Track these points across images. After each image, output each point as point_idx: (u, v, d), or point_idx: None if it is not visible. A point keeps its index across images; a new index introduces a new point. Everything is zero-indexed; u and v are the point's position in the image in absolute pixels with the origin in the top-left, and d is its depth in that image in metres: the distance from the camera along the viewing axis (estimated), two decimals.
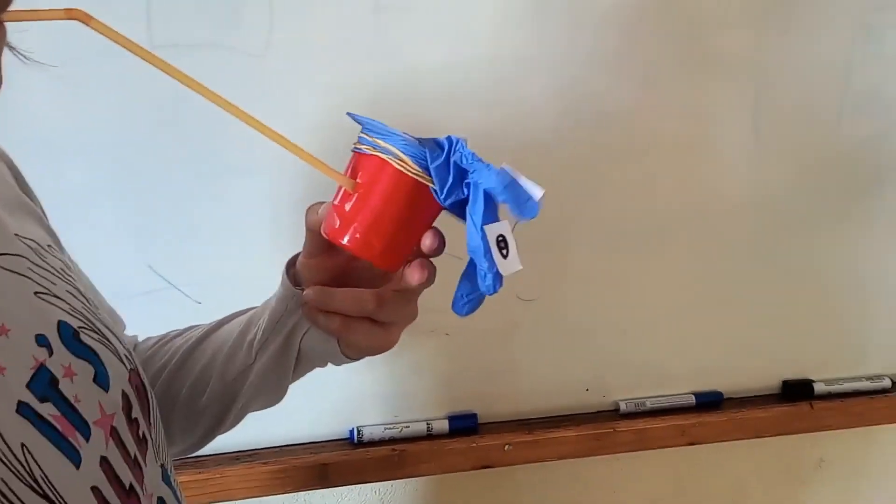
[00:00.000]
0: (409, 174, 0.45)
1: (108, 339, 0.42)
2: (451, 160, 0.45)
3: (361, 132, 0.47)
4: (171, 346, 0.60)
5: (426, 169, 0.45)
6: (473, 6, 0.79)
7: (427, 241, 0.47)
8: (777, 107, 0.89)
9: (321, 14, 0.76)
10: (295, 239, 0.83)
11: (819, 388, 1.01)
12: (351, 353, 0.54)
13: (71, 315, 0.40)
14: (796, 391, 1.01)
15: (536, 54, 0.82)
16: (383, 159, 0.46)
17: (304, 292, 0.52)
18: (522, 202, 0.44)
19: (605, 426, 0.95)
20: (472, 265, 0.47)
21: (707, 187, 0.92)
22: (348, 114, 0.48)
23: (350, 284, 0.53)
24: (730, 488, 1.09)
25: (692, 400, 1.00)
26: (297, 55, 0.77)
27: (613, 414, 0.99)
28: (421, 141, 0.46)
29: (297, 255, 0.54)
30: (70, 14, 0.36)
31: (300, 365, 0.57)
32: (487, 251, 0.45)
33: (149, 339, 0.63)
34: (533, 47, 0.82)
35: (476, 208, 0.45)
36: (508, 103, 0.83)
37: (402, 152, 0.45)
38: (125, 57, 0.72)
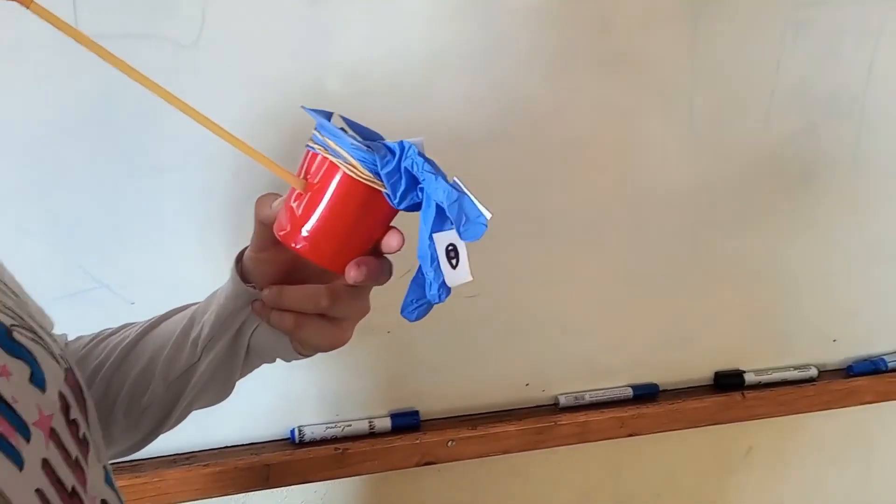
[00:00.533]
0: (361, 180, 0.45)
1: (41, 338, 0.40)
2: (403, 166, 0.44)
3: (315, 129, 0.46)
4: (107, 345, 0.58)
5: (378, 174, 0.44)
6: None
7: (392, 242, 0.47)
8: (710, 102, 0.92)
9: (258, 4, 0.75)
10: (229, 237, 0.82)
11: (749, 378, 1.05)
12: (304, 349, 0.53)
13: (2, 313, 0.38)
14: (728, 382, 1.05)
15: (475, 49, 0.83)
16: (334, 163, 0.45)
17: (262, 292, 0.51)
18: (468, 221, 0.43)
19: (546, 420, 0.97)
20: (421, 271, 0.46)
21: (642, 183, 0.94)
22: (302, 107, 0.47)
23: (300, 277, 0.52)
24: (663, 477, 1.12)
25: (629, 392, 1.02)
26: (230, 46, 0.75)
27: (553, 408, 1.00)
28: (370, 146, 0.45)
29: (244, 249, 0.53)
30: None
31: (248, 361, 0.56)
32: (434, 260, 0.44)
33: (80, 338, 0.60)
34: (471, 42, 0.82)
35: (426, 215, 0.44)
36: (443, 98, 0.83)
37: (352, 157, 0.44)
38: (49, 49, 0.70)
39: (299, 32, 0.76)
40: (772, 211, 0.99)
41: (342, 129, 0.45)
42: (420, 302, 0.46)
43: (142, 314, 0.58)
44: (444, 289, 0.45)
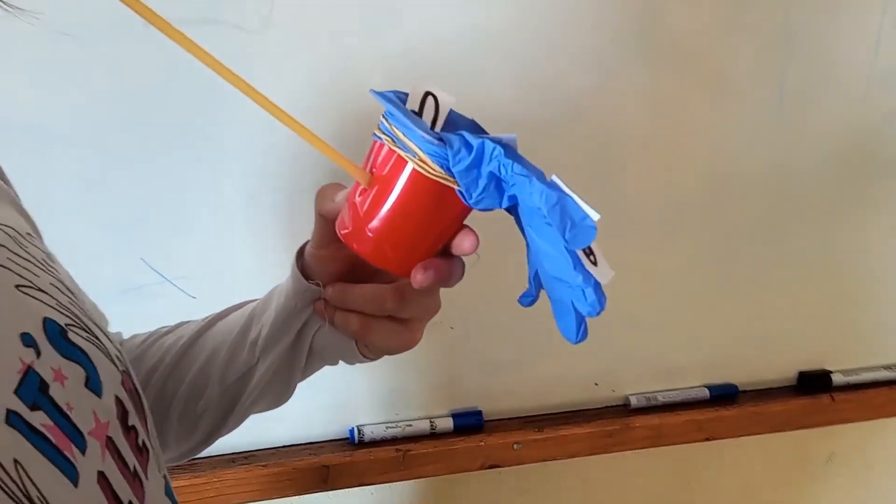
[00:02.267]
0: (431, 177, 0.39)
1: (97, 338, 0.37)
2: (486, 170, 0.38)
3: (383, 116, 0.41)
4: (162, 345, 0.54)
5: (452, 171, 0.39)
6: None
7: (465, 244, 0.42)
8: (802, 80, 0.85)
9: None
10: (293, 229, 0.79)
11: (837, 378, 0.98)
12: (370, 352, 0.49)
13: (57, 311, 0.34)
14: (813, 383, 0.98)
15: (543, 27, 0.77)
16: (402, 156, 0.39)
17: (325, 290, 0.46)
18: (574, 226, 0.36)
19: (616, 422, 0.91)
20: (556, 298, 0.39)
21: (722, 168, 0.88)
22: (372, 91, 0.41)
23: (365, 274, 0.47)
24: (739, 485, 1.06)
25: (706, 393, 0.96)
26: (298, 31, 0.71)
27: (623, 409, 0.94)
28: (445, 138, 0.39)
29: (305, 244, 0.48)
30: None
31: (310, 364, 0.52)
32: (578, 263, 0.37)
33: (135, 336, 0.57)
34: (537, 22, 0.77)
35: (544, 231, 0.37)
36: (532, 80, 0.78)
37: (422, 150, 0.39)
38: (112, 39, 0.67)
39: (368, 14, 0.72)
40: (864, 200, 0.92)
41: (412, 115, 0.40)
42: (579, 321, 0.39)
43: (203, 309, 0.55)
44: (599, 291, 0.37)
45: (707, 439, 0.94)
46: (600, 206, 0.37)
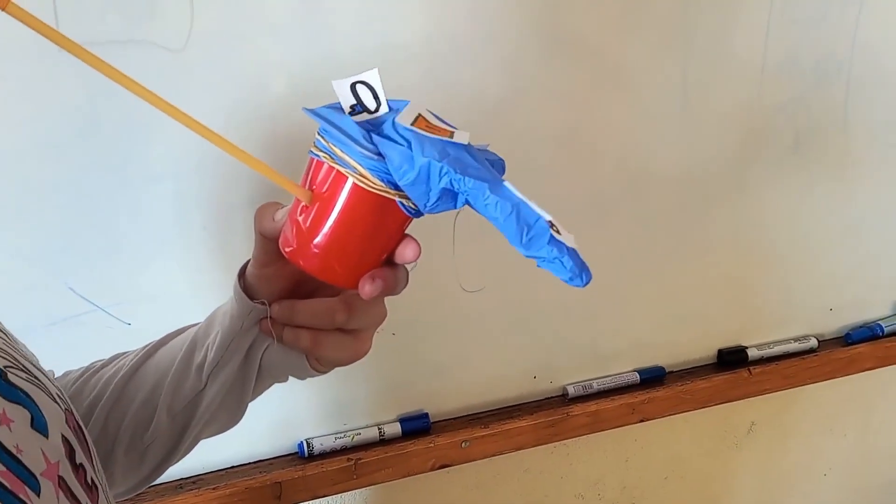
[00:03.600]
0: (373, 191, 0.40)
1: (37, 378, 0.36)
2: (437, 187, 0.39)
3: (318, 133, 0.41)
4: (100, 378, 0.53)
5: (392, 183, 0.40)
6: None
7: (408, 253, 0.43)
8: (703, 74, 0.91)
9: (247, 1, 0.71)
10: (229, 248, 0.78)
11: (752, 353, 1.05)
12: (321, 366, 0.49)
13: None
14: (731, 358, 1.04)
15: (487, 32, 0.80)
16: (341, 172, 0.40)
17: (271, 308, 0.47)
18: (530, 231, 0.37)
19: (557, 412, 0.95)
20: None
21: (637, 164, 0.93)
22: (304, 109, 0.42)
23: (308, 289, 0.48)
24: (669, 460, 1.11)
25: (636, 378, 1.00)
26: (220, 47, 0.71)
27: (562, 399, 0.98)
28: (382, 152, 0.39)
29: (246, 264, 0.48)
30: None
31: (260, 382, 0.52)
32: (552, 239, 0.38)
33: (68, 373, 0.55)
34: (482, 27, 0.80)
35: (509, 221, 0.38)
36: (448, 85, 0.80)
37: (360, 165, 0.39)
38: (27, 59, 0.65)
39: (291, 28, 0.73)
40: (765, 183, 0.99)
41: (346, 126, 0.40)
42: (572, 266, 0.38)
43: (140, 335, 0.54)
44: (577, 256, 0.38)
45: (641, 420, 0.99)
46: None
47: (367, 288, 0.42)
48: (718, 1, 0.89)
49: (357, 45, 0.75)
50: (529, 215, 0.38)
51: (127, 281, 0.74)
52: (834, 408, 1.18)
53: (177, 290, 0.75)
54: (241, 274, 0.48)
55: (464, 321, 0.91)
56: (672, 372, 1.03)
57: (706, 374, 1.02)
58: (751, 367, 1.02)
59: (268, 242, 0.45)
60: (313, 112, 0.41)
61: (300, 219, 0.41)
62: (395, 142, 0.39)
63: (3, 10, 0.31)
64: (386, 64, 0.77)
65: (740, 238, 1.01)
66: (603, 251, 0.95)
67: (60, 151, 0.69)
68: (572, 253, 0.38)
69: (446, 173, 0.38)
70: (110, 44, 0.67)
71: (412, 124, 0.40)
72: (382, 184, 0.40)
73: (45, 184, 0.69)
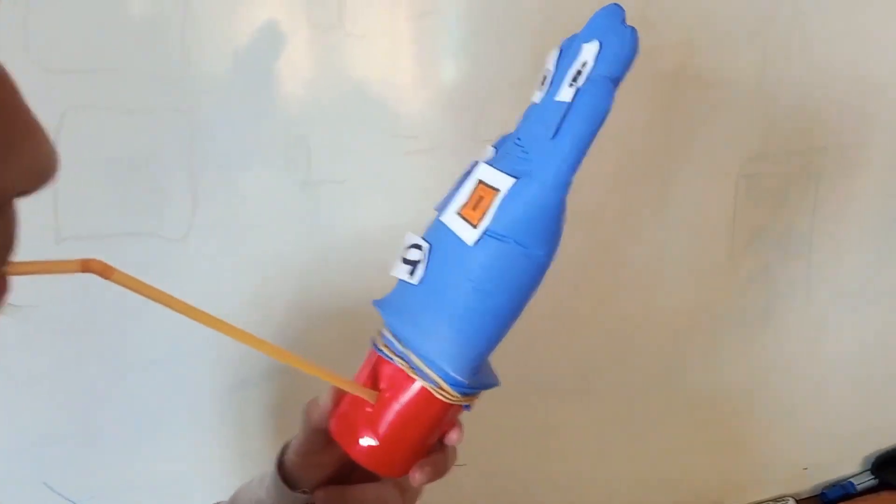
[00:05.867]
0: (446, 401, 0.41)
1: None
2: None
3: (390, 334, 0.41)
4: None
5: (466, 392, 0.41)
6: (404, 177, 0.78)
7: (453, 436, 0.44)
8: (680, 247, 0.94)
9: (247, 190, 0.71)
10: (225, 431, 0.75)
11: None
12: None
13: None
14: None
15: None
16: (414, 378, 0.40)
17: (316, 496, 0.46)
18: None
19: None
20: None
21: (619, 331, 0.94)
22: (374, 302, 0.42)
23: (346, 472, 0.48)
24: None
25: None
26: (221, 235, 0.71)
27: None
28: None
29: (282, 453, 0.47)
30: (87, 266, 0.31)
31: None
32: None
33: None
34: None
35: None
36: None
37: (440, 378, 0.40)
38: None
39: (294, 213, 0.73)
40: (739, 348, 1.02)
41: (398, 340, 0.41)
42: None
43: None
44: None
45: None
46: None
47: (417, 476, 0.42)
48: (691, 182, 0.94)
49: (363, 232, 0.76)
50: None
51: (106, 472, 0.71)
52: None
53: (171, 479, 0.72)
54: (280, 463, 0.47)
55: (451, 499, 0.88)
56: None
57: None
58: None
59: (317, 433, 0.45)
60: (383, 306, 0.42)
61: (359, 414, 0.41)
62: None
63: (106, 278, 0.31)
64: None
65: (717, 400, 1.03)
66: (588, 419, 0.95)
67: (47, 343, 0.67)
68: None
69: None
70: (114, 236, 0.66)
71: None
72: (458, 395, 0.40)
73: (29, 376, 0.67)
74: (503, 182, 0.37)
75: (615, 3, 0.37)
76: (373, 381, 0.42)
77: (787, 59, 0.90)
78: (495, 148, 0.42)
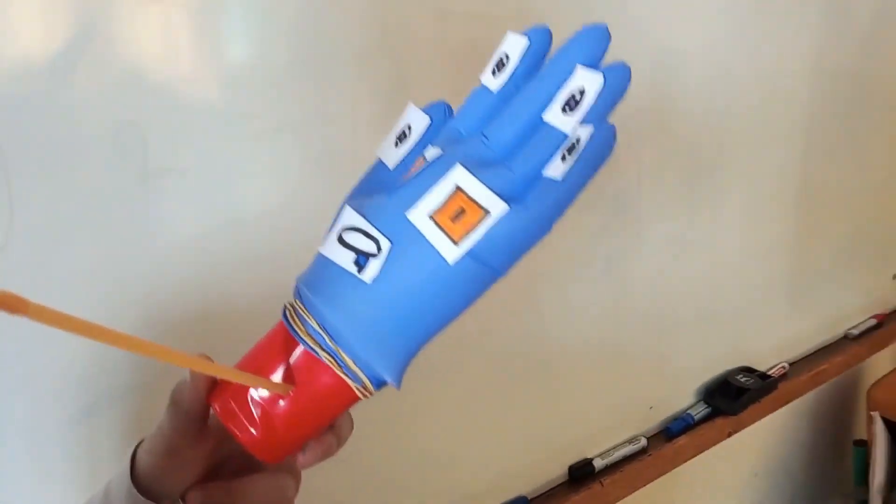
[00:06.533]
0: (363, 397, 0.39)
1: None
2: None
3: (308, 316, 0.37)
4: None
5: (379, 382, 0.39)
6: (247, 163, 0.71)
7: (346, 428, 0.42)
8: None
9: (72, 190, 0.62)
10: (69, 471, 0.66)
11: (598, 463, 1.09)
12: None
13: None
14: (580, 473, 1.07)
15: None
16: (337, 375, 0.37)
17: (191, 496, 0.40)
18: None
19: None
20: None
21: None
22: (301, 283, 0.38)
23: (218, 469, 0.43)
24: None
25: None
26: (44, 242, 0.61)
27: None
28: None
29: (135, 454, 0.41)
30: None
31: None
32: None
33: None
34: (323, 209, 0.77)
35: None
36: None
37: (366, 375, 0.38)
38: None
39: (128, 213, 0.65)
40: (588, 299, 1.06)
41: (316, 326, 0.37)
42: None
43: None
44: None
45: None
46: None
47: (310, 457, 0.40)
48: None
49: (206, 229, 0.69)
50: None
51: None
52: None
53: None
54: (133, 475, 0.40)
55: (322, 492, 0.84)
56: (534, 498, 1.04)
57: (562, 494, 1.04)
58: (602, 479, 1.06)
59: (190, 421, 0.39)
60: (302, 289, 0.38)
61: (266, 406, 0.37)
62: None
63: (21, 315, 0.25)
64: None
65: (574, 355, 1.06)
66: (459, 395, 0.94)
67: None
68: None
69: None
70: None
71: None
72: (374, 391, 0.39)
73: None
74: (492, 204, 0.35)
75: (607, 28, 0.37)
76: (289, 367, 0.38)
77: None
78: (430, 117, 0.39)
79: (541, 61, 0.38)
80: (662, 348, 1.18)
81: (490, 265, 0.36)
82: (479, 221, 0.34)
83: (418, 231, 0.35)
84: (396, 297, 0.36)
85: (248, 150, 0.69)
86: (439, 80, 0.79)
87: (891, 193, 1.60)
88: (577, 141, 0.36)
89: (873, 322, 1.59)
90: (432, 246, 0.35)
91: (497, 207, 0.34)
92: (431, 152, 0.37)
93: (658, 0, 1.00)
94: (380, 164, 0.40)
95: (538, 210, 0.36)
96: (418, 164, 0.37)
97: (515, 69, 0.38)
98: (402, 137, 0.40)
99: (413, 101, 0.41)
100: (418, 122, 0.40)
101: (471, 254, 0.35)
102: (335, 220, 0.38)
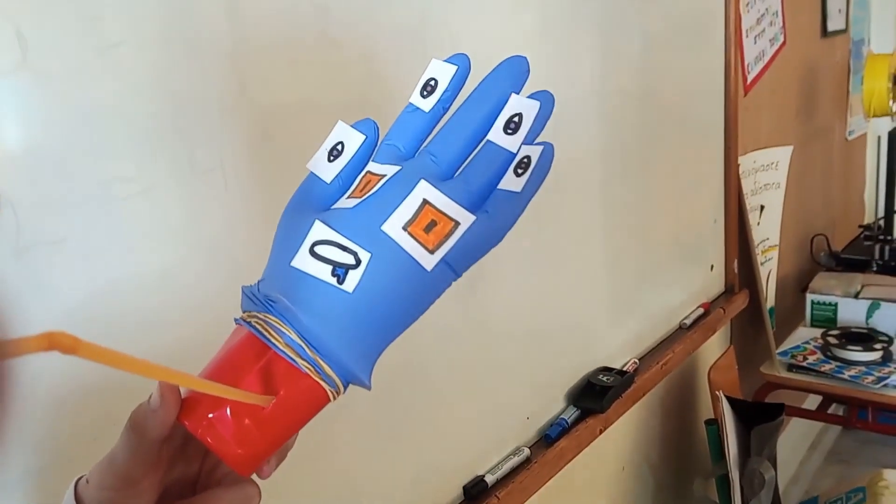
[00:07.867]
0: (334, 400, 0.41)
1: None
2: None
3: (283, 325, 0.38)
4: None
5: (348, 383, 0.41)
6: (127, 224, 0.70)
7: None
8: None
9: None
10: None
11: (490, 479, 1.13)
12: None
13: None
14: (475, 491, 1.11)
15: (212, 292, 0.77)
16: (317, 383, 0.39)
17: None
18: None
19: None
20: None
21: None
22: (275, 293, 0.39)
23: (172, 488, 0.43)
24: None
25: None
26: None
27: None
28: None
29: (76, 489, 0.39)
30: (52, 342, 0.25)
31: None
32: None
33: None
34: (201, 285, 0.76)
35: None
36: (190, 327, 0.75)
37: (341, 380, 0.40)
38: None
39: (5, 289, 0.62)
40: (456, 321, 1.11)
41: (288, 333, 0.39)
42: None
43: None
44: None
45: None
46: None
47: (274, 465, 0.41)
48: None
49: (89, 295, 0.67)
50: None
51: None
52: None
53: None
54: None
55: None
56: None
57: None
58: (497, 493, 1.10)
59: (152, 446, 0.37)
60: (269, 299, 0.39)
61: (248, 420, 0.37)
62: None
63: (72, 354, 0.26)
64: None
65: (454, 377, 1.10)
66: (352, 430, 0.95)
67: None
68: None
69: None
70: None
71: None
72: (343, 389, 0.40)
73: None
74: (461, 215, 0.40)
75: (527, 59, 0.44)
76: (265, 378, 0.38)
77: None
78: (364, 135, 0.43)
79: (462, 85, 0.44)
80: (530, 361, 1.25)
81: (455, 270, 0.41)
82: (451, 231, 0.39)
83: (395, 242, 0.39)
84: (375, 302, 0.39)
85: (124, 213, 0.68)
86: (299, 129, 0.82)
87: (695, 196, 1.80)
88: (528, 158, 0.41)
89: (701, 311, 1.76)
90: (410, 255, 0.39)
91: (466, 219, 0.39)
92: (379, 168, 0.41)
93: (448, 29, 1.06)
94: (313, 178, 0.43)
95: (500, 220, 0.41)
96: (369, 180, 0.41)
97: (445, 93, 0.43)
98: (333, 153, 0.43)
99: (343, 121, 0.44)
100: (351, 138, 0.43)
101: (444, 260, 0.39)
102: (294, 234, 0.40)
